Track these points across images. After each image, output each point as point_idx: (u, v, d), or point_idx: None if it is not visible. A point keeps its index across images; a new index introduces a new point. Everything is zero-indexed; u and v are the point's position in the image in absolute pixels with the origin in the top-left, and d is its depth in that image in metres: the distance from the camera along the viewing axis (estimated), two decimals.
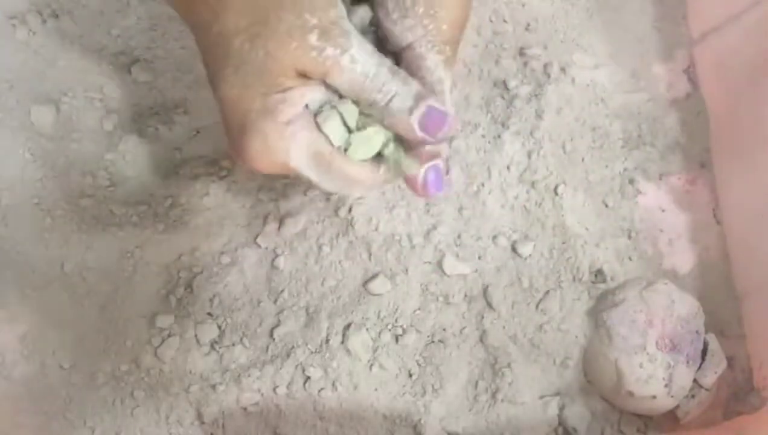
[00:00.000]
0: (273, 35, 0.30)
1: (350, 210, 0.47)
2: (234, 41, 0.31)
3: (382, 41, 0.35)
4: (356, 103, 0.33)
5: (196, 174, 0.49)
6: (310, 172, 0.34)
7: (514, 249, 0.48)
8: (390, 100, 0.33)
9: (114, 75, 0.52)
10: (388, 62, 0.33)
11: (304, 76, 0.31)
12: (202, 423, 0.44)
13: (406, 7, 0.33)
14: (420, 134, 0.33)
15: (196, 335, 0.45)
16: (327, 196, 0.48)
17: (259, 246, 0.47)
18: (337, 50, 0.31)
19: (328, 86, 0.33)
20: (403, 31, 0.34)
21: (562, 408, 0.45)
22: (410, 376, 0.45)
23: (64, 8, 0.52)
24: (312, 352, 0.45)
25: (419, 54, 0.34)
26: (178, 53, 0.53)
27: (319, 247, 0.47)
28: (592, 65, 0.53)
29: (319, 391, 0.44)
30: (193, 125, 0.51)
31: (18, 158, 0.49)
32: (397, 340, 0.45)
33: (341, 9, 0.32)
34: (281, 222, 0.47)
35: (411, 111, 0.33)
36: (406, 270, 0.46)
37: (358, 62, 0.31)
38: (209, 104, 0.51)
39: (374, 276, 0.46)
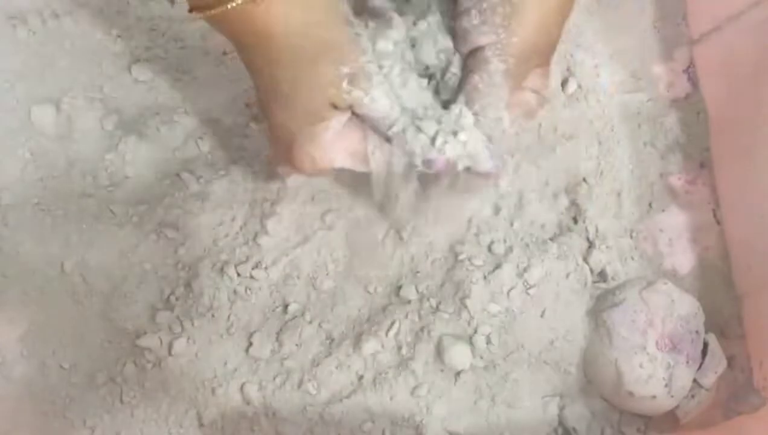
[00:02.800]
0: (315, 84, 0.38)
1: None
2: (283, 86, 0.38)
3: (456, 38, 0.41)
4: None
5: (196, 174, 0.49)
6: (354, 166, 0.41)
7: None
8: (399, 131, 0.40)
9: (114, 75, 0.52)
10: (397, 104, 0.40)
11: (335, 107, 0.39)
12: (201, 425, 0.44)
13: (486, 14, 0.39)
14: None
15: (196, 335, 0.45)
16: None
17: (259, 246, 0.47)
18: (361, 92, 0.38)
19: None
20: (479, 35, 0.39)
21: (562, 408, 0.45)
22: (412, 375, 0.45)
23: (64, 8, 0.52)
24: (313, 354, 0.45)
25: (485, 57, 0.39)
26: (178, 53, 0.53)
27: (324, 248, 0.47)
28: (592, 65, 0.53)
29: (320, 392, 0.44)
30: (193, 125, 0.51)
31: (18, 158, 0.49)
32: (400, 346, 0.45)
33: (368, 53, 0.39)
34: (281, 222, 0.47)
35: (417, 157, 0.40)
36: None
37: (376, 102, 0.39)
38: (209, 104, 0.52)
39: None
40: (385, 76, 0.39)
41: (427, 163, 0.39)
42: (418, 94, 0.40)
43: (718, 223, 0.50)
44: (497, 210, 0.49)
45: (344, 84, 0.38)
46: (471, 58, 0.40)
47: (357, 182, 0.45)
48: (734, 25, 0.50)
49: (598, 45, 0.54)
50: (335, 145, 0.40)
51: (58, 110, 0.50)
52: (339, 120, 0.40)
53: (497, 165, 0.40)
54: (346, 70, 0.38)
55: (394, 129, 0.39)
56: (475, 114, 0.39)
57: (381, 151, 0.40)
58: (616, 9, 0.56)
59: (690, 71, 0.54)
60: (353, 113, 0.40)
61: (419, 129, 0.39)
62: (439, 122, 0.39)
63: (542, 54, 0.40)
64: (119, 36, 0.53)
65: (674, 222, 0.50)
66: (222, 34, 0.39)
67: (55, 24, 0.52)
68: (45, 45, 0.52)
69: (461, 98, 0.40)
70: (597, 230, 0.49)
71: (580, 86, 0.53)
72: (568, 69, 0.53)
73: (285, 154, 0.41)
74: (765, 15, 0.47)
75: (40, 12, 0.52)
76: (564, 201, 0.50)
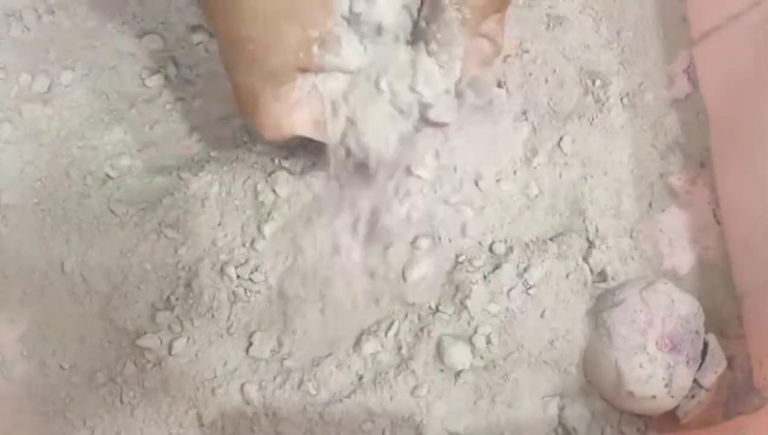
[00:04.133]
0: (283, 47, 0.37)
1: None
2: (247, 46, 0.37)
3: None
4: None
5: (196, 173, 0.49)
6: (313, 135, 0.41)
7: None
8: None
9: (112, 73, 0.52)
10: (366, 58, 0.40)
11: (304, 71, 0.39)
12: (201, 425, 0.44)
13: None
14: None
15: (196, 335, 0.45)
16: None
17: (259, 247, 0.47)
18: (331, 54, 0.38)
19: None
20: None
21: (562, 408, 0.45)
22: (412, 375, 0.45)
23: (60, 4, 0.52)
24: (313, 354, 0.45)
25: (441, 6, 0.39)
26: (178, 51, 0.53)
27: (323, 248, 0.47)
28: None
29: (320, 392, 0.44)
30: (193, 124, 0.51)
31: (18, 158, 0.49)
32: (400, 346, 0.45)
33: (335, 15, 0.38)
34: (281, 223, 0.47)
35: None
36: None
37: (348, 63, 0.39)
38: (211, 103, 0.52)
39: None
40: (355, 33, 0.39)
41: None
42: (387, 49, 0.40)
43: (718, 223, 0.50)
44: None
45: (314, 48, 0.38)
46: (428, 8, 0.39)
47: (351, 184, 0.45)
48: (734, 25, 0.50)
49: (597, 45, 0.54)
50: (299, 109, 0.40)
51: (55, 108, 0.50)
52: (305, 83, 0.39)
53: (452, 115, 0.41)
54: (315, 33, 0.37)
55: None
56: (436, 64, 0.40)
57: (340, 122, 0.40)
58: (616, 9, 0.56)
59: (690, 71, 0.54)
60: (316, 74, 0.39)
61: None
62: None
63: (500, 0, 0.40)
64: (116, 32, 0.52)
65: (674, 222, 0.50)
66: None
67: (50, 19, 0.52)
68: (40, 41, 0.51)
69: (421, 47, 0.40)
70: (597, 230, 0.49)
71: (582, 87, 0.53)
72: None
73: (247, 117, 0.40)
74: (765, 15, 0.47)
75: (36, 8, 0.52)
76: (564, 201, 0.50)
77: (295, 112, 0.40)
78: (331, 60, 0.38)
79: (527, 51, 0.52)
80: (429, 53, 0.40)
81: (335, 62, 0.38)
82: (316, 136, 0.41)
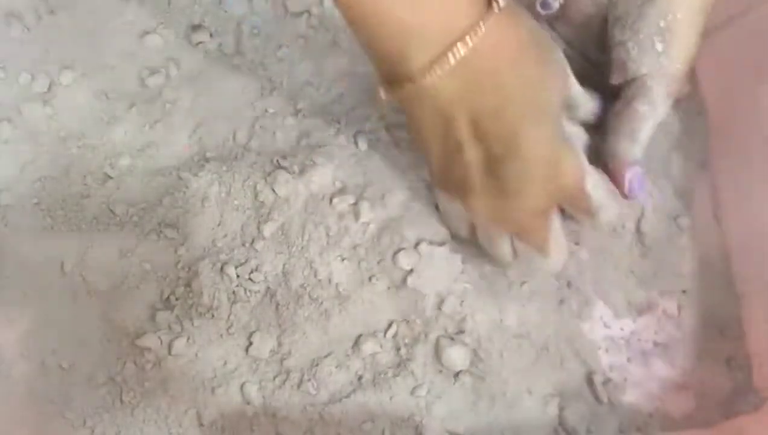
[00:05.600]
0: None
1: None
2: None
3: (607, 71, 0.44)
4: None
5: (196, 173, 0.49)
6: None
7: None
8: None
9: (112, 72, 0.52)
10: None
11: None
12: (201, 425, 0.44)
13: (644, 44, 0.41)
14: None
15: (196, 335, 0.45)
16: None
17: (259, 247, 0.47)
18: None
19: None
20: (639, 66, 0.42)
21: (562, 408, 0.45)
22: (411, 376, 0.45)
23: (60, 4, 0.52)
24: (313, 354, 0.45)
25: (647, 86, 0.42)
26: (178, 51, 0.53)
27: (323, 249, 0.47)
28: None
29: (320, 392, 0.44)
30: (194, 124, 0.51)
31: (18, 158, 0.49)
32: (398, 347, 0.45)
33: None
34: (281, 223, 0.47)
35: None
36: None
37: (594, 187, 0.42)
38: (212, 102, 0.52)
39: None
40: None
41: None
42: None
43: (718, 223, 0.50)
44: None
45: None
46: (628, 88, 0.42)
47: None
48: (734, 25, 0.50)
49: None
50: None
51: (55, 108, 0.50)
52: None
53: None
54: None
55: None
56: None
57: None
58: None
59: (690, 71, 0.54)
60: None
61: None
62: None
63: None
64: (116, 32, 0.53)
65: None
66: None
67: (50, 19, 0.52)
68: (40, 41, 0.51)
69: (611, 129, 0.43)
70: None
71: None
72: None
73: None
74: (765, 15, 0.47)
75: (36, 8, 0.52)
76: None
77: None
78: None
79: None
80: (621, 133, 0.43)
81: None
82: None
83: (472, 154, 0.40)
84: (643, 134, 0.43)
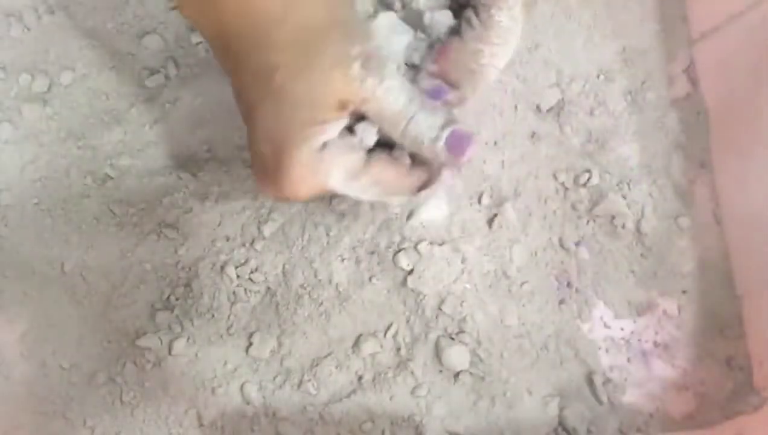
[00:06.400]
0: (317, 68, 0.32)
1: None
2: (275, 76, 0.32)
3: None
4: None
5: (195, 174, 0.49)
6: (348, 190, 0.36)
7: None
8: (418, 129, 0.35)
9: (112, 72, 0.52)
10: (417, 94, 0.35)
11: (342, 106, 0.33)
12: (201, 425, 0.44)
13: None
14: (446, 160, 0.35)
15: (196, 335, 0.45)
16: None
17: (259, 247, 0.47)
18: (376, 79, 0.33)
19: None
20: None
21: (562, 408, 0.45)
22: (411, 376, 0.45)
23: (60, 4, 0.52)
24: (313, 354, 0.45)
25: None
26: (178, 50, 0.53)
27: (323, 249, 0.47)
28: (594, 65, 0.53)
29: (320, 392, 0.44)
30: (193, 123, 0.51)
31: (18, 158, 0.49)
32: (398, 347, 0.45)
33: (378, 39, 0.34)
34: (281, 223, 0.47)
35: (437, 140, 0.35)
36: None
37: (392, 92, 0.33)
38: (210, 102, 0.51)
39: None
40: (398, 68, 0.35)
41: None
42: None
43: (718, 223, 0.50)
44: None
45: (356, 67, 0.32)
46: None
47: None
48: (734, 25, 0.50)
49: (598, 45, 0.54)
50: (332, 158, 0.34)
51: (55, 108, 0.50)
52: (338, 124, 0.34)
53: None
54: (356, 51, 0.32)
55: (410, 129, 0.34)
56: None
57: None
58: (617, 9, 0.56)
59: (690, 71, 0.54)
60: (354, 118, 0.34)
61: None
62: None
63: None
64: (116, 32, 0.52)
65: None
66: (201, 27, 0.33)
67: (50, 19, 0.52)
68: (40, 41, 0.51)
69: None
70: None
71: (583, 87, 0.53)
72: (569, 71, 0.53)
73: (269, 173, 0.35)
74: (765, 15, 0.47)
75: (36, 8, 0.52)
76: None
77: (329, 160, 0.34)
78: (374, 86, 0.33)
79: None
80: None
81: (377, 91, 0.33)
82: (351, 192, 0.36)
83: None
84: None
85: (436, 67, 0.35)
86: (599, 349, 0.47)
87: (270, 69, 0.32)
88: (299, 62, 0.32)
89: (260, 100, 0.33)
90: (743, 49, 0.49)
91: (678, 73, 0.54)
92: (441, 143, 0.35)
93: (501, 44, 0.34)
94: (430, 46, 0.36)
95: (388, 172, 0.37)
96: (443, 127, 0.35)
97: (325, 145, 0.34)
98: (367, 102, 0.33)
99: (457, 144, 0.35)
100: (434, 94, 0.35)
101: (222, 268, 0.46)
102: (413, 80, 0.36)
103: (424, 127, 0.35)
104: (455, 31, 0.35)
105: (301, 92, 0.32)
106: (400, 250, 0.46)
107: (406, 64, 0.36)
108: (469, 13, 0.34)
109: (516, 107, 0.51)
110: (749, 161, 0.48)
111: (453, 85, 0.36)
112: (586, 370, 0.47)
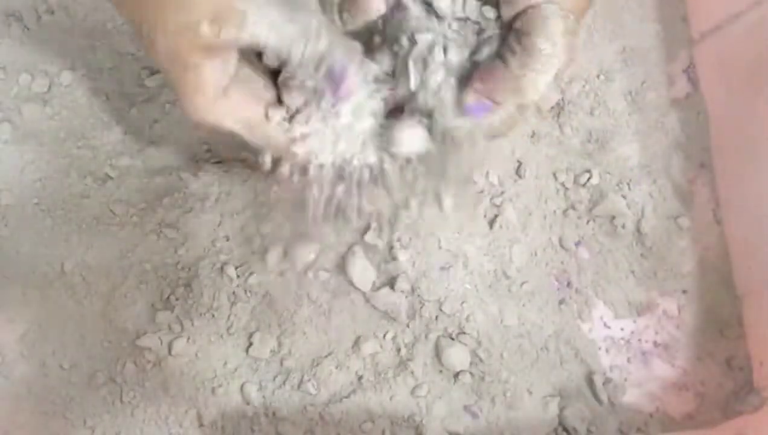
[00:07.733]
0: (163, 30, 0.32)
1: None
2: (143, 27, 0.33)
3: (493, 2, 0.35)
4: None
5: (196, 173, 0.49)
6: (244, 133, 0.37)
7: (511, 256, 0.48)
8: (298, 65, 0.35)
9: (112, 72, 0.52)
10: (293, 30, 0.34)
11: (214, 20, 0.32)
12: (201, 425, 0.44)
13: None
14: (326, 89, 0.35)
15: (196, 335, 0.45)
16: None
17: (258, 248, 0.47)
18: (233, 30, 0.32)
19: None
20: None
21: (562, 408, 0.45)
22: (411, 376, 0.45)
23: (60, 4, 0.52)
24: (313, 354, 0.45)
25: (543, 16, 0.33)
26: None
27: (320, 248, 0.47)
28: (594, 66, 0.53)
29: (320, 392, 0.44)
30: (193, 125, 0.51)
31: (18, 158, 0.49)
32: (398, 347, 0.45)
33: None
34: (281, 223, 0.47)
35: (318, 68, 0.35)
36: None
37: (259, 37, 0.33)
38: None
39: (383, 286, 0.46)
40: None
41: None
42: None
43: (718, 223, 0.50)
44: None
45: (204, 28, 0.32)
46: (521, 20, 0.34)
47: None
48: (734, 25, 0.50)
49: (598, 45, 0.54)
50: (226, 99, 0.35)
51: (55, 108, 0.50)
52: (216, 66, 0.34)
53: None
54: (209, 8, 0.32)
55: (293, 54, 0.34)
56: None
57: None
58: (617, 9, 0.56)
59: (690, 71, 0.54)
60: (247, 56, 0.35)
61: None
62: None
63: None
64: (116, 32, 0.52)
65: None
66: None
67: (50, 19, 0.52)
68: (40, 41, 0.51)
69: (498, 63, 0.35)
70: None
71: (583, 87, 0.53)
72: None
73: (179, 94, 0.36)
74: (765, 15, 0.47)
75: (36, 8, 0.52)
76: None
77: (223, 101, 0.35)
78: (233, 35, 0.32)
79: None
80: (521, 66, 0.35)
81: (242, 38, 0.33)
82: (250, 136, 0.37)
83: None
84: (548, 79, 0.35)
85: (482, 85, 0.36)
86: (599, 349, 0.47)
87: (139, 20, 0.33)
88: (148, 20, 0.32)
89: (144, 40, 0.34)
90: (743, 49, 0.49)
91: (678, 73, 0.54)
92: (320, 74, 0.35)
93: (542, 71, 0.35)
94: (475, 65, 0.37)
95: (275, 134, 0.37)
96: (324, 57, 0.35)
97: (227, 88, 0.35)
98: (245, 24, 0.32)
99: (336, 76, 0.35)
100: (477, 111, 0.36)
101: (222, 268, 0.46)
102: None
103: (306, 55, 0.34)
104: (498, 54, 0.36)
105: (163, 47, 0.33)
106: (400, 250, 0.46)
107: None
108: (511, 38, 0.35)
109: None
110: (749, 161, 0.48)
111: (496, 103, 0.36)
112: (586, 370, 0.47)
